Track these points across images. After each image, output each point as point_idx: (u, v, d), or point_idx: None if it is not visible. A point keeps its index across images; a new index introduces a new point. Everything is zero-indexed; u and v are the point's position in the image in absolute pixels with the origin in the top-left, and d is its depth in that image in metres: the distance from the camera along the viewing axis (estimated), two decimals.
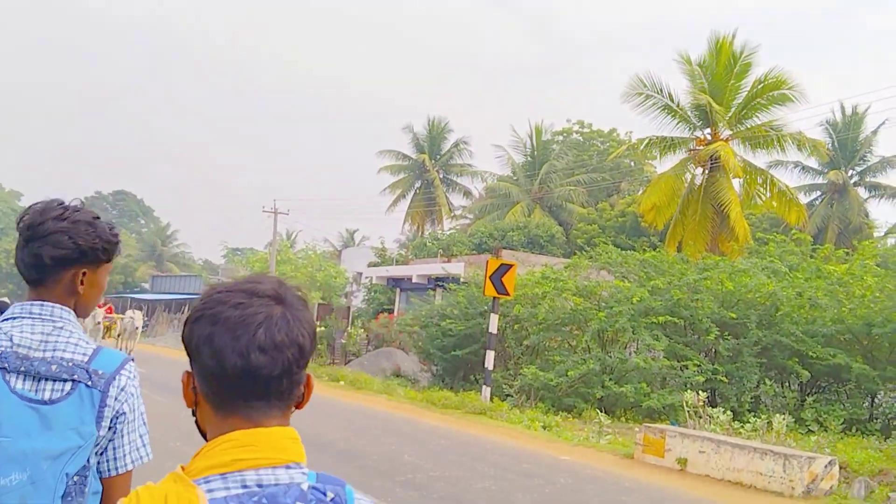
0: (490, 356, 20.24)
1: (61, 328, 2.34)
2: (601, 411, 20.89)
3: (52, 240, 2.34)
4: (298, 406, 1.66)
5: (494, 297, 19.96)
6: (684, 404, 16.81)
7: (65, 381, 2.26)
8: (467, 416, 18.59)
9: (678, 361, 20.90)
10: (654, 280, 22.89)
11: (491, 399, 20.25)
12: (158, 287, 68.49)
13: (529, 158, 53.28)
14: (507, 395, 21.54)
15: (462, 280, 29.48)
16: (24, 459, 2.18)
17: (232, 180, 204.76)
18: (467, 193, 60.00)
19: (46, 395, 2.24)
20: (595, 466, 13.01)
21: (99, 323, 28.24)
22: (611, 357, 21.06)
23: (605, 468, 12.93)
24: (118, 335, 31.24)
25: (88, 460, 2.28)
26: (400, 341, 32.17)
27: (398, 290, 41.54)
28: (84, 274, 2.41)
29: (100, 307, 29.71)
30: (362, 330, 36.05)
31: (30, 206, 2.44)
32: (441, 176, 58.91)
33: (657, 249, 27.10)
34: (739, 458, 12.16)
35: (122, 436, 2.36)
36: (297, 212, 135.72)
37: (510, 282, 19.52)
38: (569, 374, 20.80)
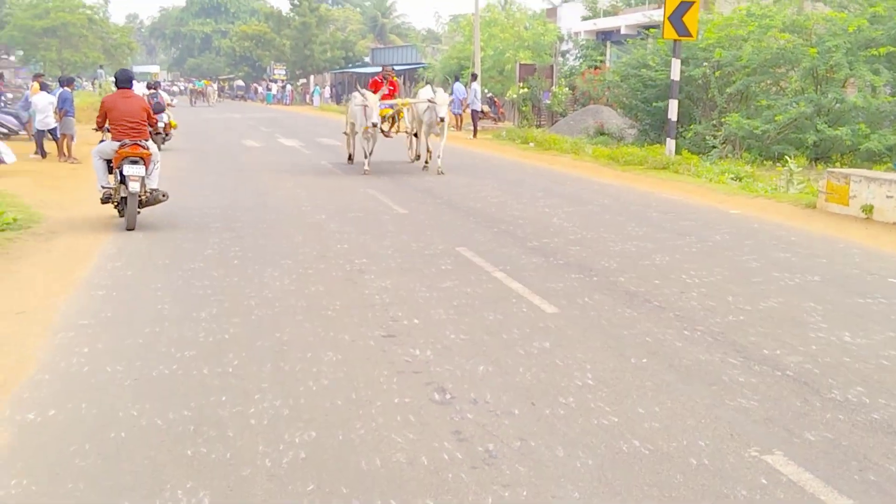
0: (673, 105, 18.64)
1: None
2: (815, 158, 19.12)
3: None
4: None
5: (675, 40, 18.14)
6: None
7: None
8: (648, 171, 17.37)
9: None
10: (874, 6, 20.08)
11: (678, 152, 18.83)
12: (379, 59, 68.64)
13: None
14: (713, 147, 20.02)
15: None
16: None
17: None
18: None
19: None
20: (765, 220, 11.69)
21: (375, 125, 17.43)
22: (826, 97, 18.92)
23: (776, 221, 11.61)
24: (410, 131, 20.07)
25: None
26: (607, 98, 30.56)
27: (608, 43, 39.39)
28: None
29: (373, 88, 18.77)
30: (567, 88, 34.55)
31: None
32: None
33: None
34: None
35: None
36: None
37: (692, 21, 17.57)
38: (777, 119, 19.00)
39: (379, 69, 25.21)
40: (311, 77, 72.57)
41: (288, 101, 66.85)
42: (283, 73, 74.32)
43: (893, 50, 18.81)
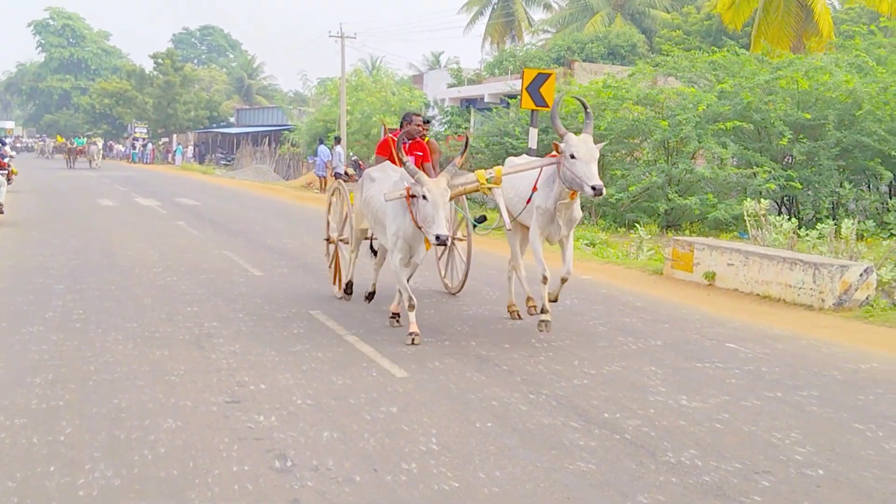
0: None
1: None
2: (666, 226, 19.81)
3: None
4: None
5: (532, 111, 18.62)
6: (744, 213, 15.45)
7: None
8: (504, 238, 17.64)
9: (749, 168, 19.48)
10: (722, 83, 21.15)
11: None
12: (243, 120, 68.34)
13: None
14: None
15: None
16: None
17: (312, 9, 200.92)
18: (548, 6, 57.25)
19: None
20: (615, 285, 12.03)
21: (444, 242, 7.58)
22: (676, 168, 19.70)
23: (624, 287, 11.95)
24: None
25: None
26: (470, 164, 31.08)
27: (472, 110, 40.18)
28: None
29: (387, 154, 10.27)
30: None
31: None
32: None
33: (739, 54, 24.62)
34: (768, 269, 10.99)
35: None
36: (370, 36, 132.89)
37: (549, 93, 18.07)
38: (630, 188, 19.66)
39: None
40: (174, 136, 71.44)
41: (148, 160, 65.29)
42: (145, 131, 72.79)
43: (739, 124, 19.76)
